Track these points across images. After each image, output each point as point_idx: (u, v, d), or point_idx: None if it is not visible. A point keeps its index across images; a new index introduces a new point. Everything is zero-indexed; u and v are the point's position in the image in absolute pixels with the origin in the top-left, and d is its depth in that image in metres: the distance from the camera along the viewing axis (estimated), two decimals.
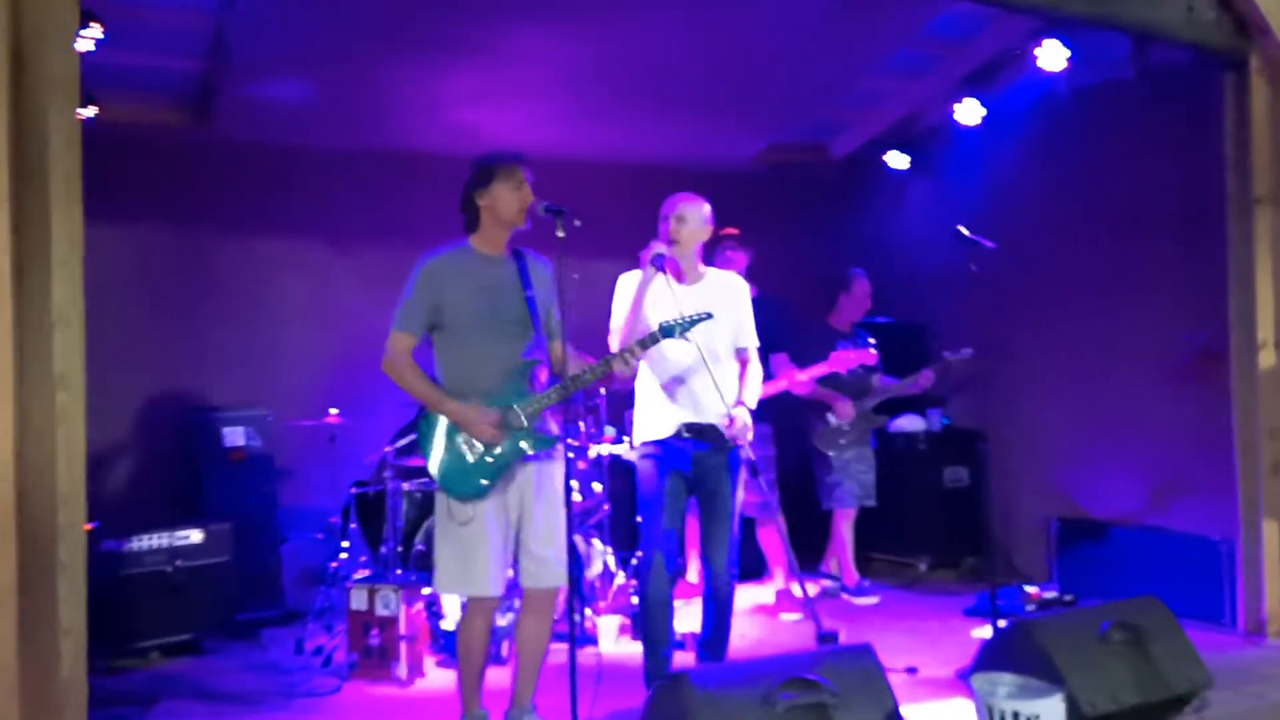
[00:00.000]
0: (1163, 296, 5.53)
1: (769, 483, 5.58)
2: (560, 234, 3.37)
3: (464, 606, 3.62)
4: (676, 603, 5.20)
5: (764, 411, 5.58)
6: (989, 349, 6.37)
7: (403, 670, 4.47)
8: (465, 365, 3.55)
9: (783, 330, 5.65)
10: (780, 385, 5.49)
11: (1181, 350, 5.38)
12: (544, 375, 3.63)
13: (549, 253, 3.76)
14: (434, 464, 3.50)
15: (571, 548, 3.32)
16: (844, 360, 5.40)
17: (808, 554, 6.27)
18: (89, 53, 4.76)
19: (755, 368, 4.23)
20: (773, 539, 5.65)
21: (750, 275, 5.68)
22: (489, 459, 3.48)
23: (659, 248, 4.01)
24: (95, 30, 4.40)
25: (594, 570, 5.16)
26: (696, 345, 3.81)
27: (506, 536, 3.53)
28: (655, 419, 4.08)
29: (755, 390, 4.18)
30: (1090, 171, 5.91)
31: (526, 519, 3.56)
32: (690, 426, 4.02)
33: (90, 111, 5.04)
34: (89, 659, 4.63)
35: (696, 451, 4.02)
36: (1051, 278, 6.11)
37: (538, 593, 3.62)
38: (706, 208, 4.18)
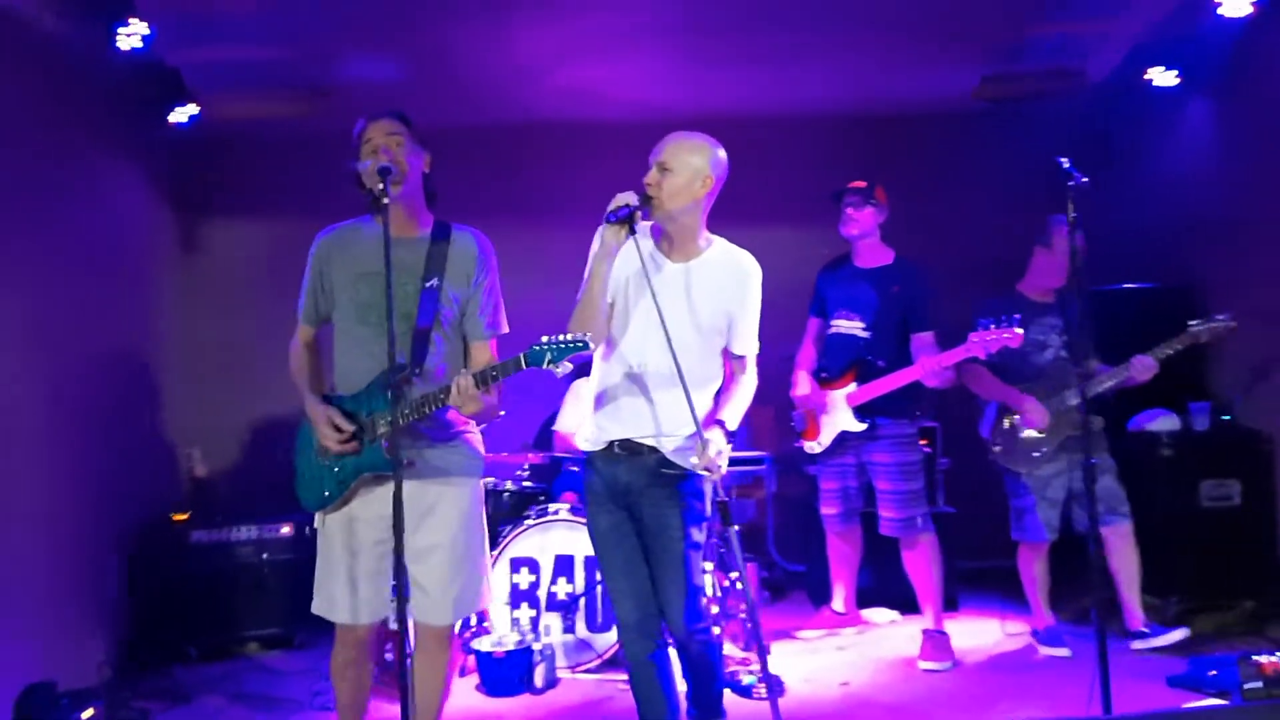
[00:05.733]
0: None
1: (913, 494, 4.49)
2: (384, 200, 2.75)
3: None
4: (812, 634, 4.91)
5: (903, 406, 4.47)
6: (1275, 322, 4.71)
7: None
8: (342, 361, 3.11)
9: (924, 305, 4.51)
10: (914, 373, 4.33)
11: None
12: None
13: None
14: (298, 462, 3.14)
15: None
16: (984, 343, 4.13)
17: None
18: (188, 52, 4.91)
19: (749, 379, 3.17)
20: (919, 565, 4.51)
21: (887, 238, 4.65)
22: (335, 468, 3.02)
23: (623, 198, 2.94)
24: (139, 26, 4.42)
25: None
26: (665, 338, 2.83)
27: (370, 558, 3.03)
28: (593, 424, 3.19)
29: (739, 408, 3.12)
30: None
31: (410, 544, 2.99)
32: (625, 444, 3.09)
33: (193, 109, 5.17)
34: (172, 646, 4.84)
35: (631, 476, 3.09)
36: None
37: (422, 629, 3.12)
38: (717, 154, 3.04)
